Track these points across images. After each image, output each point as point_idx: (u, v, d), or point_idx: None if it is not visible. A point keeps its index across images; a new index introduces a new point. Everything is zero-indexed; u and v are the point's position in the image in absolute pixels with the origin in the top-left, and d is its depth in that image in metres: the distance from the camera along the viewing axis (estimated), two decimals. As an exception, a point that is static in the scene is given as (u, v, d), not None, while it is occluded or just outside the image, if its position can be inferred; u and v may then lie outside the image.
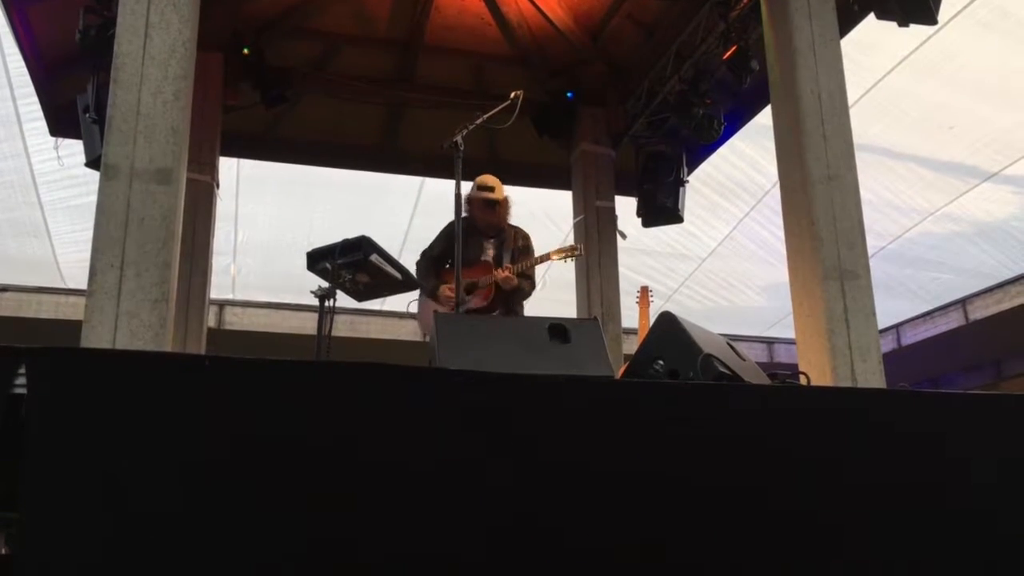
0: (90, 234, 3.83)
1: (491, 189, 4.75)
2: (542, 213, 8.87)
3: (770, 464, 1.88)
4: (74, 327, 3.77)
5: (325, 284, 3.70)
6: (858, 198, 4.70)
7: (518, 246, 4.81)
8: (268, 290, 10.75)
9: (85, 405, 1.67)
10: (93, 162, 6.01)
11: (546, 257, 4.60)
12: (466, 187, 4.17)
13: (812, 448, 1.93)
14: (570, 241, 7.73)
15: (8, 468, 1.62)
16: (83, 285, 3.82)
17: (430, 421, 1.76)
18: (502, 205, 4.79)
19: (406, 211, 9.39)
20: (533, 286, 4.80)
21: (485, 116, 4.06)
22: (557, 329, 2.76)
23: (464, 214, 4.74)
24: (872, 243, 4.77)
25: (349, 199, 9.38)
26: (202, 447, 1.68)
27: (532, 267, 4.69)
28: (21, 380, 1.68)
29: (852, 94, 5.09)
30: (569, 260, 4.62)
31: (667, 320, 2.74)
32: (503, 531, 1.72)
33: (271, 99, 7.29)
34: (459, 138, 3.94)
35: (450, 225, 4.81)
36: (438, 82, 7.95)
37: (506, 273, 4.55)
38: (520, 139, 7.67)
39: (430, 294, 4.69)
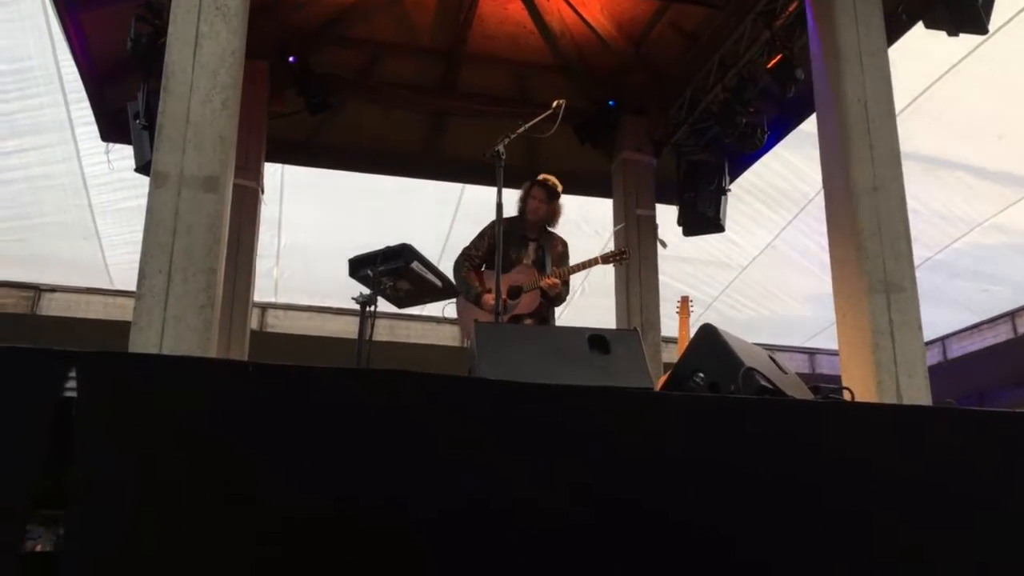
0: (138, 236, 3.92)
1: (552, 181, 4.83)
2: (582, 220, 8.86)
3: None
4: (121, 327, 3.86)
5: (366, 290, 3.74)
6: (904, 208, 4.63)
7: (558, 251, 4.85)
8: (310, 294, 10.87)
9: (132, 408, 1.70)
10: (143, 167, 6.15)
11: (594, 261, 4.63)
12: (508, 195, 4.21)
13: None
14: (611, 248, 7.71)
15: (56, 467, 1.65)
16: (131, 286, 3.90)
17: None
18: (557, 200, 4.84)
19: (447, 217, 9.44)
20: (568, 291, 4.84)
21: (527, 125, 4.06)
22: (597, 340, 2.75)
23: (515, 212, 4.79)
24: (919, 253, 4.69)
25: (390, 204, 9.45)
26: (245, 450, 1.71)
27: (574, 273, 4.72)
28: (71, 384, 1.72)
29: (899, 102, 5.01)
30: (615, 264, 4.64)
31: (708, 332, 2.72)
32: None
33: (315, 106, 7.38)
34: (501, 147, 3.95)
35: (493, 224, 4.84)
36: (480, 90, 7.98)
37: (554, 280, 4.58)
38: (561, 146, 7.66)
39: (474, 300, 4.70)
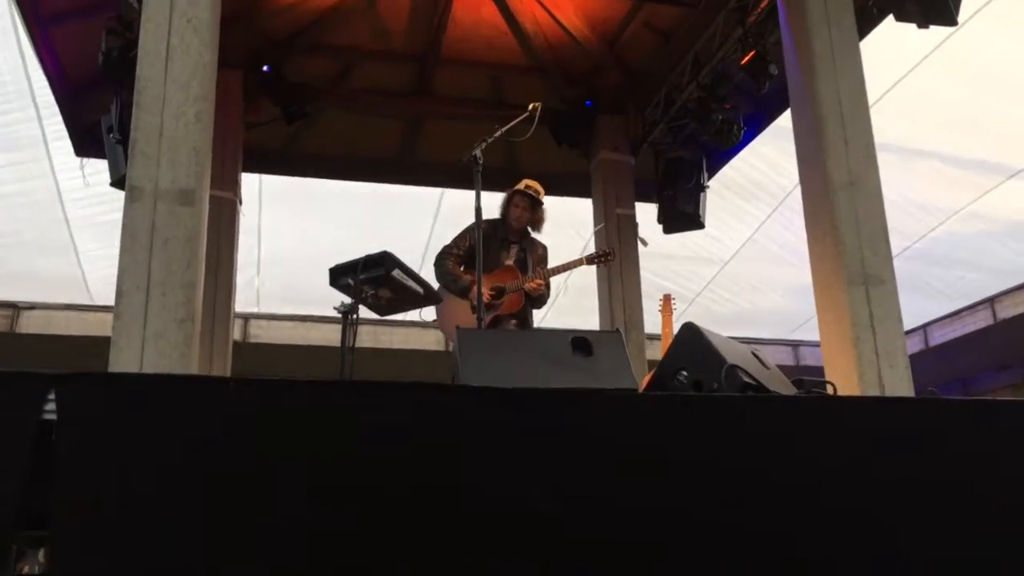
0: (116, 250, 3.88)
1: (537, 191, 4.83)
2: (563, 221, 8.88)
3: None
4: (101, 343, 3.82)
5: (348, 299, 3.73)
6: (881, 202, 4.67)
7: (539, 255, 4.88)
8: (292, 302, 10.82)
9: (113, 429, 1.70)
10: (118, 181, 6.10)
11: (579, 262, 4.64)
12: (488, 198, 4.21)
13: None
14: (591, 249, 7.73)
15: (38, 489, 1.65)
16: (110, 301, 3.87)
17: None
18: (541, 207, 4.85)
19: (427, 221, 9.43)
20: (550, 293, 4.88)
21: (504, 129, 4.07)
22: (580, 342, 2.75)
23: (498, 215, 4.80)
24: (897, 243, 4.74)
25: (370, 210, 9.43)
26: (227, 467, 1.70)
27: (557, 274, 4.75)
28: (51, 406, 1.71)
29: (873, 93, 5.06)
30: (592, 240, 4.65)
31: (690, 331, 2.73)
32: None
33: (291, 115, 7.36)
34: (478, 151, 3.96)
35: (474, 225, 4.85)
36: (456, 93, 7.99)
37: (538, 281, 4.60)
38: (539, 148, 7.67)
39: (461, 291, 4.68)
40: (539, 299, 4.73)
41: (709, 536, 1.79)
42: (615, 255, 4.88)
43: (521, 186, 4.80)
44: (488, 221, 4.55)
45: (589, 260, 4.66)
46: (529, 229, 4.89)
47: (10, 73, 7.30)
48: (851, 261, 4.45)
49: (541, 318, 5.00)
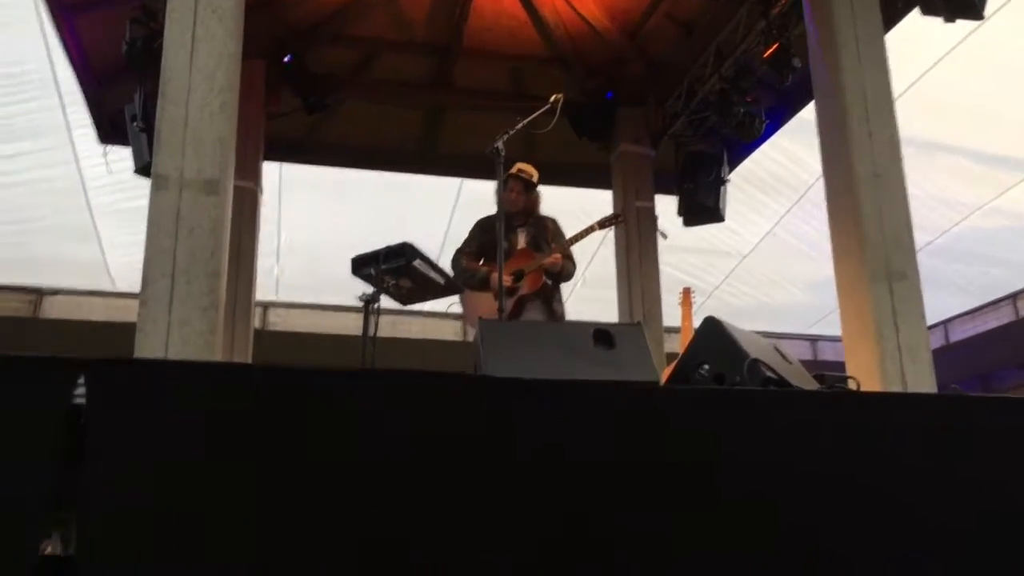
0: (139, 238, 3.92)
1: (528, 172, 4.83)
2: (581, 212, 8.86)
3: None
4: (123, 329, 3.87)
5: (370, 289, 3.76)
6: (905, 196, 4.63)
7: (551, 230, 4.86)
8: (311, 291, 10.88)
9: (141, 414, 1.72)
10: (141, 169, 6.16)
11: (590, 229, 4.63)
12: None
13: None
14: (611, 239, 7.72)
15: (67, 473, 1.67)
16: (132, 288, 3.91)
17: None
18: (535, 190, 4.85)
19: (445, 211, 9.45)
20: (575, 265, 4.85)
21: (525, 121, 4.07)
22: (601, 334, 2.76)
23: (494, 204, 4.81)
24: (919, 238, 4.70)
25: (389, 200, 9.46)
26: (253, 453, 1.72)
27: (570, 245, 4.74)
28: (80, 391, 1.73)
29: (896, 88, 5.01)
30: (612, 229, 4.63)
31: (712, 324, 2.72)
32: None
33: (312, 105, 7.38)
34: (500, 143, 3.95)
35: (481, 221, 4.88)
36: (476, 85, 7.98)
37: (555, 256, 4.60)
38: (559, 139, 7.65)
39: (481, 283, 4.69)
40: (561, 273, 4.71)
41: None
42: (625, 217, 4.83)
43: (514, 170, 4.77)
44: (490, 216, 4.58)
45: (600, 224, 4.66)
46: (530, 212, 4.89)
47: (34, 61, 7.36)
48: (874, 255, 4.42)
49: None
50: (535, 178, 4.84)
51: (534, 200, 4.86)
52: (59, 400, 1.69)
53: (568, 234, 4.79)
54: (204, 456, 1.71)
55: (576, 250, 4.85)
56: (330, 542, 1.69)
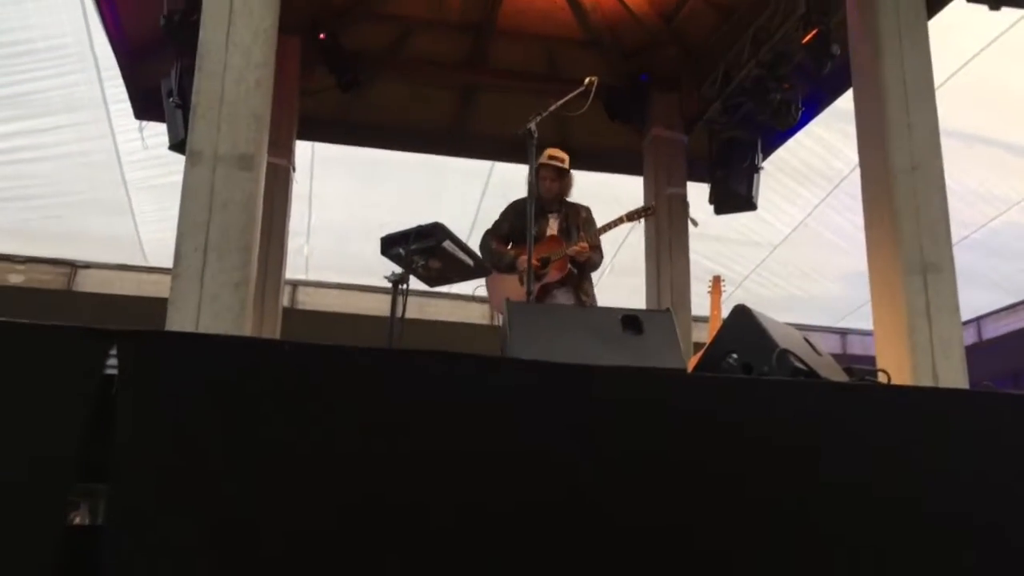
0: (172, 213, 3.95)
1: (560, 159, 4.81)
2: (612, 199, 8.82)
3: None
4: (154, 304, 3.90)
5: (398, 269, 3.76)
6: (943, 188, 4.55)
7: (583, 218, 4.85)
8: (340, 270, 10.94)
9: (173, 386, 1.73)
10: (176, 145, 6.20)
11: (619, 220, 4.61)
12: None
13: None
14: (641, 226, 7.67)
15: (98, 443, 1.69)
16: (164, 263, 3.95)
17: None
18: (568, 175, 4.84)
19: (475, 193, 9.44)
20: (602, 256, 4.85)
21: (559, 103, 4.04)
22: (630, 320, 2.74)
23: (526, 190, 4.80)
24: (954, 232, 4.62)
25: (420, 181, 9.47)
26: (279, 424, 1.73)
27: (600, 236, 4.73)
28: (112, 361, 1.75)
29: (937, 77, 4.92)
30: (642, 221, 4.61)
31: (742, 313, 2.69)
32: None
33: (346, 83, 7.39)
34: (533, 125, 3.93)
35: (515, 203, 4.88)
36: (510, 66, 7.95)
37: (582, 245, 4.58)
38: (591, 123, 7.60)
39: (508, 266, 4.71)
40: (588, 263, 4.71)
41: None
42: (655, 210, 4.81)
43: (544, 158, 4.76)
44: (522, 199, 4.57)
45: (630, 217, 4.63)
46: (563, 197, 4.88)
47: (73, 35, 7.42)
48: (909, 248, 4.35)
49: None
50: (566, 163, 4.83)
51: (567, 184, 4.86)
52: (91, 370, 1.70)
53: (599, 223, 4.77)
54: (234, 428, 1.72)
55: (605, 238, 4.83)
56: (353, 504, 1.70)
